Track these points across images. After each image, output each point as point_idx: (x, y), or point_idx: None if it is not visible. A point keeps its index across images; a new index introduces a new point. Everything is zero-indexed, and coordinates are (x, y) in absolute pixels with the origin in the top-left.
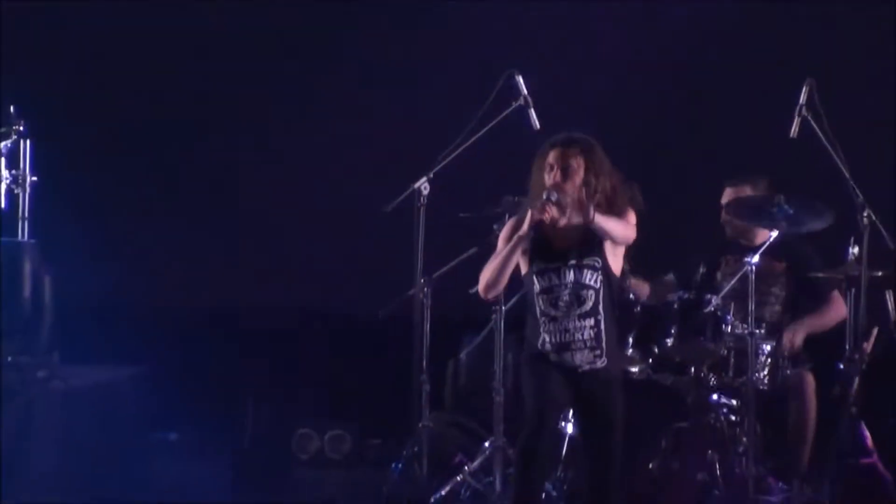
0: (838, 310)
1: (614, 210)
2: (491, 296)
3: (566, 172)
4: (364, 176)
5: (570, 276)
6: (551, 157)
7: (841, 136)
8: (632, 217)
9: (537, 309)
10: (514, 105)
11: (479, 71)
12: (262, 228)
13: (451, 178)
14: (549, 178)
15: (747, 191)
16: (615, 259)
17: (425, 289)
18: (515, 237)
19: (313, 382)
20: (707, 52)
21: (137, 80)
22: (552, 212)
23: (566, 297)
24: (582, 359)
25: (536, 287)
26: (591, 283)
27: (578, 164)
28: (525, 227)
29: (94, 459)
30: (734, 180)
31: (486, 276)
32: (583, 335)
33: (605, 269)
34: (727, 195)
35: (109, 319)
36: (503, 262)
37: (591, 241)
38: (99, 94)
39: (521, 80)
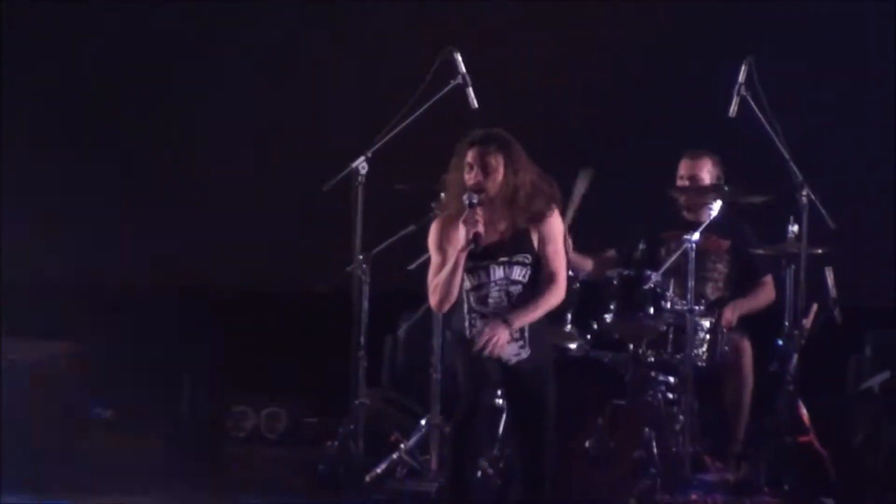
0: (768, 294)
1: (535, 205)
2: (446, 308)
3: (486, 171)
4: (303, 154)
5: (500, 272)
6: (470, 155)
7: (782, 114)
8: (555, 218)
9: (465, 305)
10: (452, 84)
11: (419, 49)
12: (200, 207)
13: (391, 157)
14: (469, 178)
15: (708, 163)
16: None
17: (363, 266)
18: (457, 254)
19: (249, 360)
20: (647, 31)
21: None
22: (481, 218)
23: (495, 295)
24: (509, 352)
25: (466, 284)
26: (521, 278)
27: (497, 162)
28: (463, 242)
29: (30, 434)
30: (693, 152)
31: (435, 294)
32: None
33: (535, 263)
34: (686, 166)
35: (46, 296)
36: (449, 278)
37: (521, 238)
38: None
39: (459, 58)
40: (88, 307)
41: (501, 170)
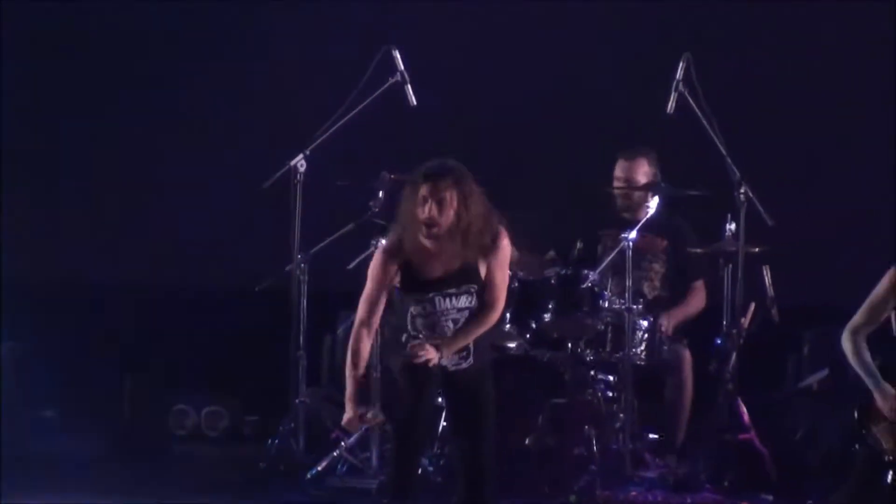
0: (699, 300)
1: (484, 238)
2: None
3: (440, 205)
4: (242, 151)
5: (447, 303)
6: (424, 189)
7: (720, 111)
8: (503, 249)
9: (409, 326)
10: (391, 81)
11: (358, 46)
12: (140, 204)
13: (330, 155)
14: (422, 212)
15: (644, 164)
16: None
17: (302, 264)
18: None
19: (190, 358)
20: (586, 27)
21: None
22: (432, 355)
23: (442, 323)
24: (448, 362)
25: (412, 310)
26: (467, 305)
27: (451, 197)
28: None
29: None
30: (629, 153)
31: (352, 343)
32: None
33: (480, 291)
34: (621, 168)
35: None
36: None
37: (469, 269)
38: None
39: (397, 55)
40: (27, 307)
41: (455, 204)
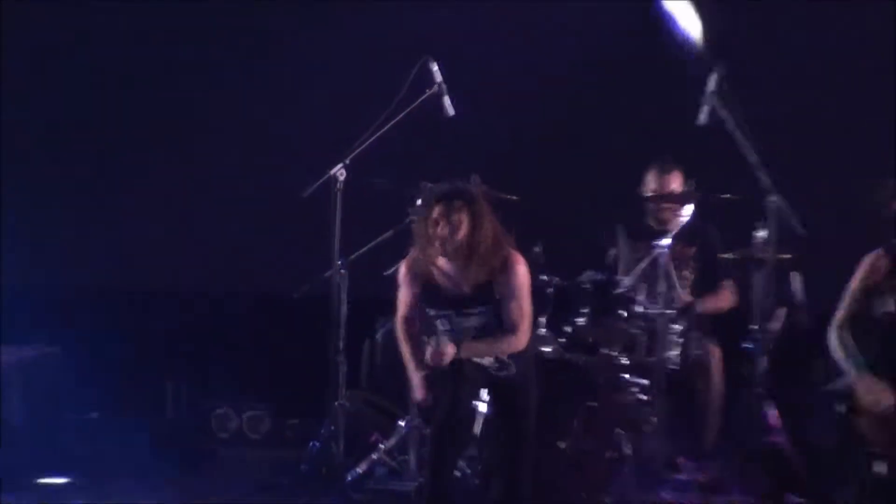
0: (728, 296)
1: (496, 257)
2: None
3: (451, 226)
4: (284, 160)
5: (466, 322)
6: (436, 211)
7: (753, 121)
8: (516, 270)
9: (435, 338)
10: (429, 92)
11: (398, 57)
12: (182, 212)
13: (368, 164)
14: (435, 231)
15: (678, 175)
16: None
17: (342, 271)
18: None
19: (232, 363)
20: (619, 39)
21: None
22: (447, 354)
23: (461, 335)
24: (490, 366)
25: (438, 324)
26: (479, 324)
27: (462, 218)
28: (425, 365)
29: (16, 436)
30: (663, 165)
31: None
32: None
33: (496, 309)
34: (655, 179)
35: (33, 301)
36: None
37: (482, 289)
38: None
39: (435, 67)
40: (72, 312)
41: (465, 225)
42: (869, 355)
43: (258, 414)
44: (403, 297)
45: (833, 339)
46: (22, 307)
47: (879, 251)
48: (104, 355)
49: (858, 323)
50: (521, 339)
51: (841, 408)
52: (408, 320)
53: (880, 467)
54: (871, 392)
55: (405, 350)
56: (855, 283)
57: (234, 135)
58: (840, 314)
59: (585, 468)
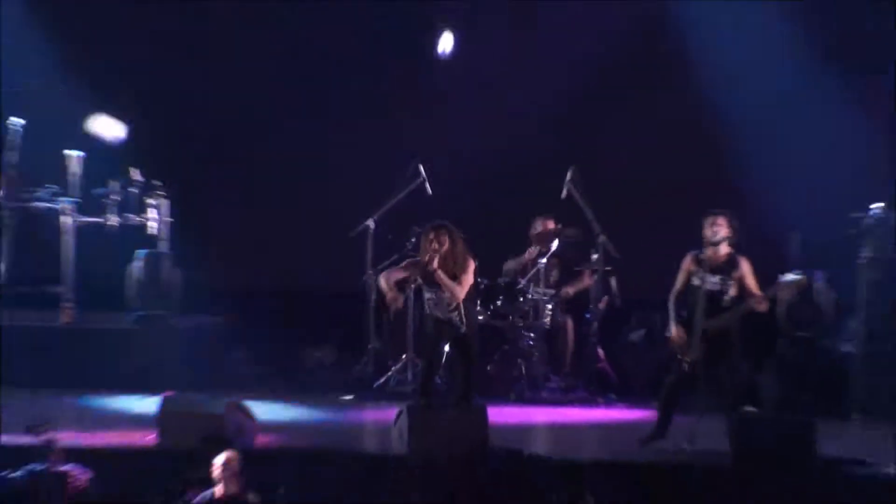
0: (584, 282)
1: (458, 265)
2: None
3: (439, 243)
4: (337, 203)
5: (441, 293)
6: (431, 234)
7: (592, 192)
8: (470, 267)
9: (426, 304)
10: (417, 182)
11: (404, 155)
12: (317, 220)
13: (387, 217)
14: (428, 248)
15: (550, 222)
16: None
17: (373, 277)
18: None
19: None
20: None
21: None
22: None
23: (444, 304)
24: (455, 323)
25: (427, 295)
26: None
27: (444, 240)
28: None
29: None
30: (542, 217)
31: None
32: (450, 317)
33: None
34: (539, 225)
35: (207, 292)
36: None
37: (452, 279)
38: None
39: (421, 167)
40: (236, 296)
41: (446, 244)
42: (685, 312)
43: (337, 359)
44: (403, 271)
45: (670, 302)
46: (204, 295)
47: (690, 254)
48: (254, 328)
49: (683, 295)
50: (460, 295)
51: (634, 338)
52: (398, 280)
53: (681, 366)
54: (678, 336)
55: (388, 287)
56: (680, 272)
57: (336, 176)
58: (673, 290)
59: (501, 381)
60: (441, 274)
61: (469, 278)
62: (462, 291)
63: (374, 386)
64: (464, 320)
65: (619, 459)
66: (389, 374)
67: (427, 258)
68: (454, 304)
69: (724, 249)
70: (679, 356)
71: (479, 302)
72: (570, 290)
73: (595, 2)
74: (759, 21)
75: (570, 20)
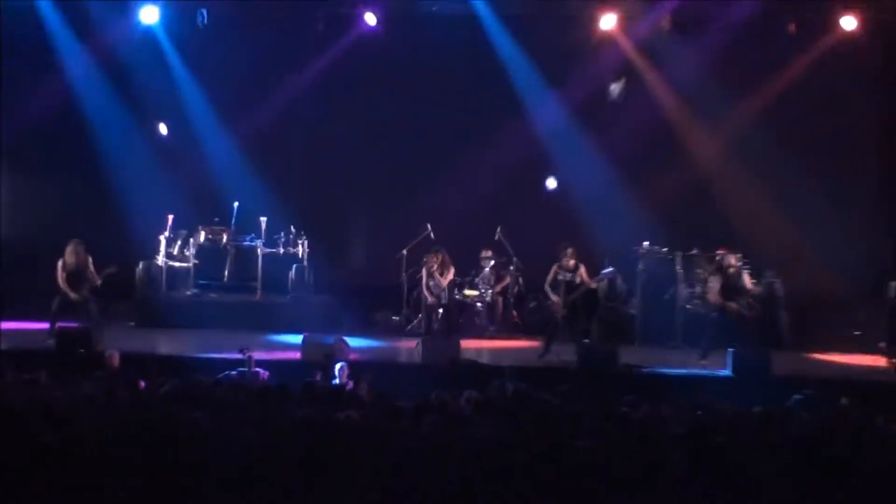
0: (507, 280)
1: (445, 269)
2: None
3: (437, 259)
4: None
5: (440, 281)
6: (433, 253)
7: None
8: (451, 271)
9: (429, 288)
10: (425, 233)
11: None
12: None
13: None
14: (432, 261)
15: (488, 252)
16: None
17: (403, 255)
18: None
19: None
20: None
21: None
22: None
23: (441, 288)
24: (443, 300)
25: (429, 283)
26: (440, 282)
27: (439, 257)
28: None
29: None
30: (485, 251)
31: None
32: (438, 296)
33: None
34: (484, 253)
35: (326, 284)
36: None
37: (441, 275)
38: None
39: (429, 227)
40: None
41: (440, 258)
42: (556, 293)
43: (382, 313)
44: (426, 273)
45: (546, 288)
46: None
47: (556, 264)
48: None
49: (553, 283)
50: (443, 284)
51: (531, 306)
52: (423, 277)
53: (557, 319)
54: (555, 304)
55: (425, 283)
56: (551, 272)
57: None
58: (547, 281)
59: (465, 327)
60: (437, 274)
61: (450, 276)
62: (446, 283)
63: (407, 330)
64: (446, 298)
65: (525, 365)
66: (412, 325)
67: (431, 265)
68: (442, 289)
69: (572, 261)
70: (555, 313)
71: (455, 289)
72: (498, 286)
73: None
74: None
75: None
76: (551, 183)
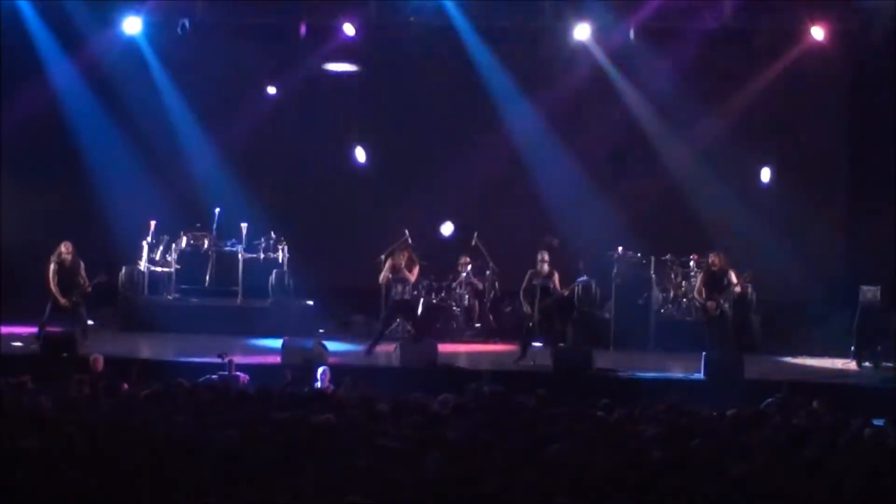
0: (483, 285)
1: (411, 268)
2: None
3: (404, 253)
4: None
5: (401, 287)
6: (401, 252)
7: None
8: (416, 268)
9: (394, 288)
10: (403, 238)
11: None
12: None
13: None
14: (399, 259)
15: (466, 258)
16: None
17: (381, 259)
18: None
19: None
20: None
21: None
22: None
23: (401, 287)
24: (408, 298)
25: (397, 286)
26: (405, 282)
27: (405, 254)
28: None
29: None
30: (463, 257)
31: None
32: (403, 291)
33: (406, 278)
34: (462, 258)
35: (306, 289)
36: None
37: (407, 273)
38: None
39: (450, 228)
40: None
41: (406, 255)
42: (531, 300)
43: (357, 319)
44: (388, 269)
45: (521, 294)
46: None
47: (531, 270)
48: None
49: (528, 290)
50: (411, 280)
51: (508, 309)
52: (387, 270)
53: (531, 323)
54: (527, 309)
55: (392, 277)
56: (526, 278)
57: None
58: (522, 287)
59: (442, 330)
60: (405, 270)
61: (416, 272)
62: (413, 278)
63: (385, 334)
64: (409, 294)
65: (501, 368)
66: (390, 328)
67: (398, 261)
68: (407, 283)
69: (547, 267)
70: (529, 319)
71: (433, 294)
72: (478, 286)
73: None
74: None
75: None
76: (447, 229)
